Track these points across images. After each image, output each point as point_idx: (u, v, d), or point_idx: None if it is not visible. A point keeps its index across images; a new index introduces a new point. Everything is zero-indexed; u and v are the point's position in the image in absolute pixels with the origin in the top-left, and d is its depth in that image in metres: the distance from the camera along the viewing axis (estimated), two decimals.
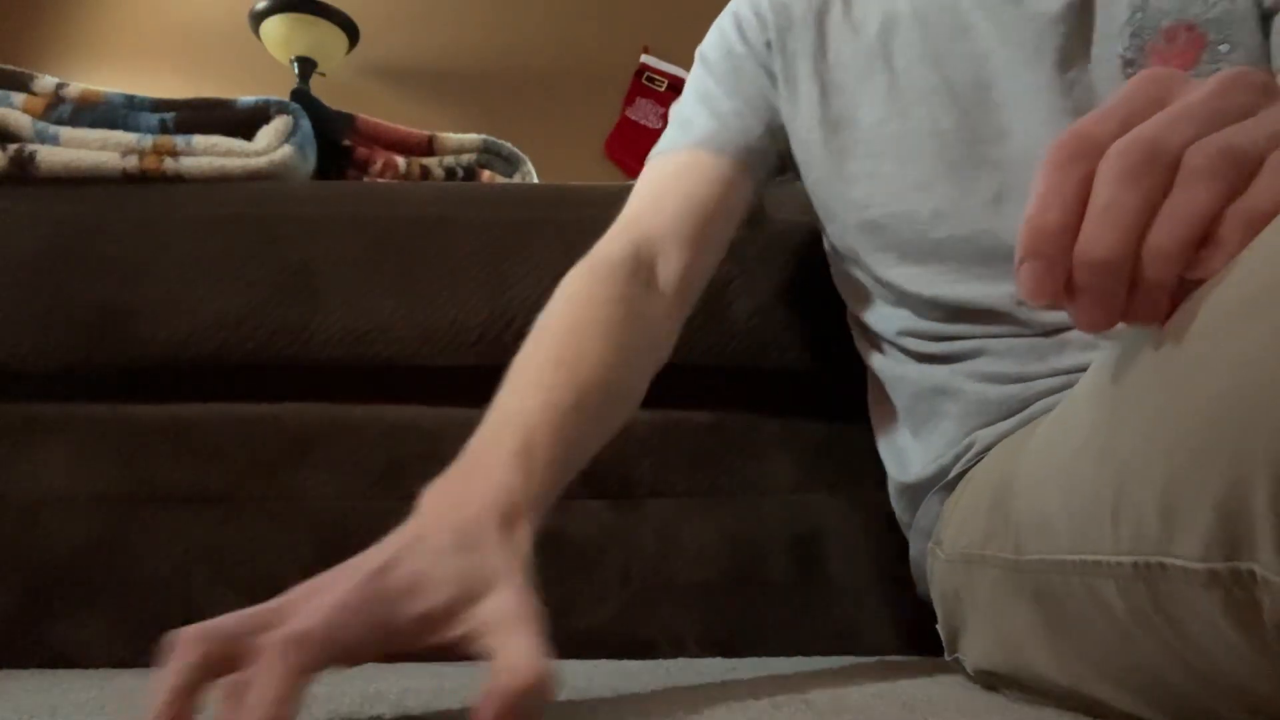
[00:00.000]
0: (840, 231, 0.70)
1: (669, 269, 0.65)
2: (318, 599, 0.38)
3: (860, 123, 0.68)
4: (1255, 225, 0.29)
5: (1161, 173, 0.30)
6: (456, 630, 0.38)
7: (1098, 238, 0.30)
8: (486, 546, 0.41)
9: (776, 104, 0.72)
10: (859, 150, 0.68)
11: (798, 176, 0.75)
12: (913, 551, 0.70)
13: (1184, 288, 0.31)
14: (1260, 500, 0.26)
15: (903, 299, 0.67)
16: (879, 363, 0.73)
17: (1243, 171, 0.29)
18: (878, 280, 0.69)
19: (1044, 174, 0.32)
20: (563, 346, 0.55)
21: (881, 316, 0.71)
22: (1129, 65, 0.61)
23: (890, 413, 0.72)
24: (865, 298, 0.72)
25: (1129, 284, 0.30)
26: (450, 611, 0.38)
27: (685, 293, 0.67)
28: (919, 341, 0.67)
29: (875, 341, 0.73)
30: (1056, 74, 0.63)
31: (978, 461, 0.60)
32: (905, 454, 0.70)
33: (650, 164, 0.72)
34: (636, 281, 0.63)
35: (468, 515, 0.43)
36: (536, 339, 0.57)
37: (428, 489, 0.46)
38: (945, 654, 0.62)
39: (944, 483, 0.63)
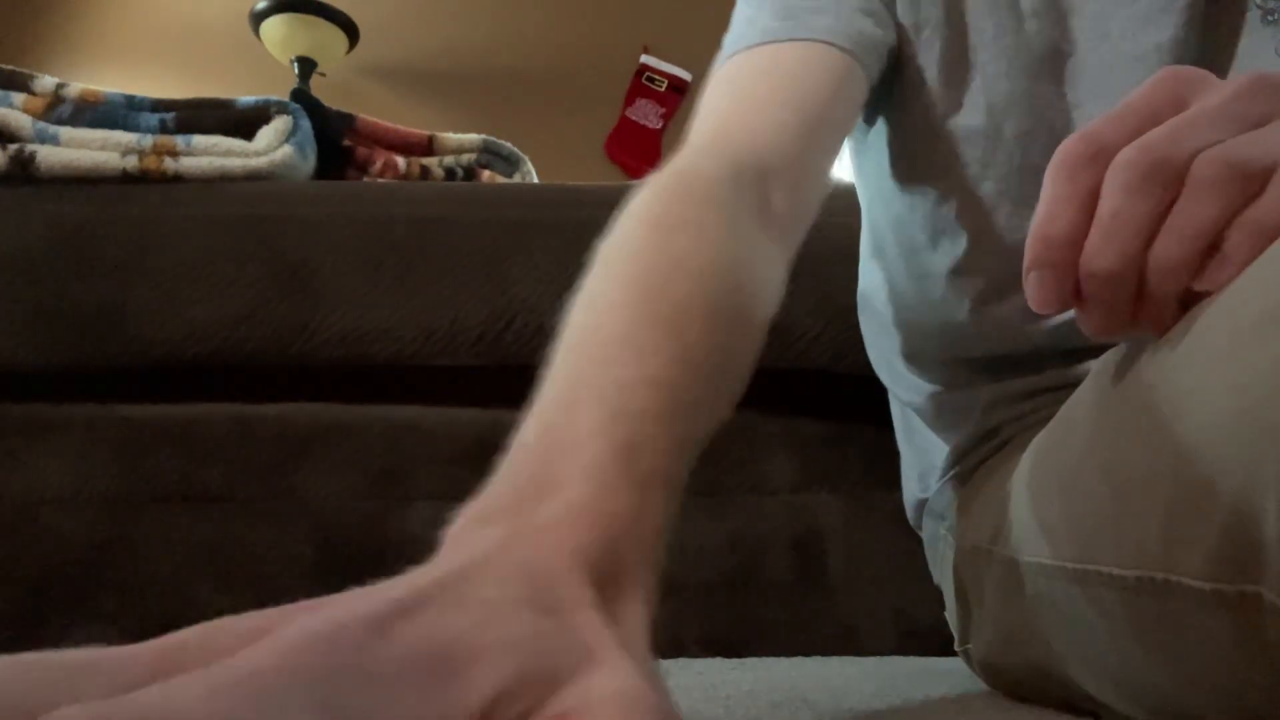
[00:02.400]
0: (934, 203, 0.58)
1: (779, 193, 0.47)
2: (256, 649, 0.18)
3: (980, 69, 0.56)
4: (1263, 238, 0.28)
5: (1169, 182, 0.29)
6: None
7: (1102, 249, 0.30)
8: (573, 610, 0.22)
9: (896, 15, 0.58)
10: (979, 103, 0.56)
11: (878, 114, 0.62)
12: (927, 534, 0.69)
13: (1193, 296, 0.31)
14: (1269, 524, 0.26)
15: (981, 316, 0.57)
16: (907, 386, 0.66)
17: (1251, 183, 0.29)
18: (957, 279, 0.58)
19: (1053, 179, 0.31)
20: (657, 294, 0.34)
21: (937, 339, 0.61)
22: (1269, 15, 0.53)
23: (917, 429, 0.68)
24: (918, 315, 0.62)
25: (1136, 293, 0.30)
26: (514, 695, 0.19)
27: (797, 225, 0.49)
28: (971, 368, 0.60)
29: (918, 361, 0.64)
30: (1190, 34, 0.53)
31: (999, 450, 0.59)
32: (932, 469, 0.65)
33: (732, 63, 0.54)
34: (746, 203, 0.43)
35: (541, 556, 0.23)
36: (609, 280, 0.35)
37: (469, 506, 0.26)
38: (955, 644, 0.62)
39: (959, 471, 0.62)
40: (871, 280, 0.69)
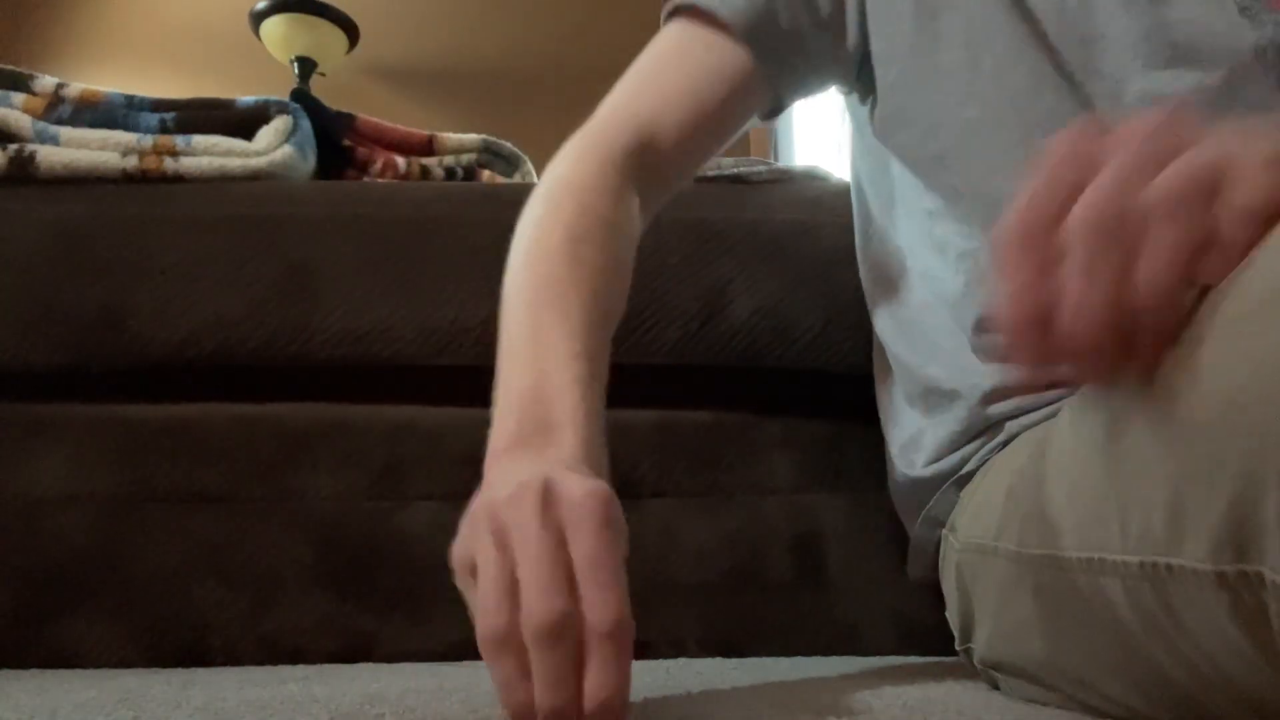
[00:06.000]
0: (920, 140, 0.63)
1: (663, 162, 0.62)
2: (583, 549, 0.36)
3: (962, 8, 0.61)
4: (1253, 221, 0.29)
5: (1131, 231, 0.30)
6: None
7: (1082, 308, 0.31)
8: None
9: None
10: (957, 39, 0.61)
11: (850, 87, 0.68)
12: (914, 537, 0.68)
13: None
14: (1271, 504, 0.26)
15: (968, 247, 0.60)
16: (903, 349, 0.67)
17: (1207, 192, 0.30)
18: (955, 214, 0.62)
19: (1006, 265, 0.33)
20: (579, 272, 0.52)
21: (934, 283, 0.64)
22: (1245, 10, 0.55)
23: (903, 406, 0.70)
24: (912, 260, 0.66)
25: (1125, 340, 0.31)
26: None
27: (673, 185, 0.65)
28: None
29: (905, 327, 0.67)
30: (1153, 10, 0.56)
31: (1000, 449, 0.59)
32: (919, 447, 0.66)
33: (666, 33, 0.66)
34: (634, 188, 0.60)
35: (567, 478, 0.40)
36: (553, 250, 0.53)
37: (498, 440, 0.46)
38: (956, 643, 0.62)
39: (962, 473, 0.62)
40: (884, 237, 0.71)
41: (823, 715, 0.41)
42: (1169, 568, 0.31)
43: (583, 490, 0.37)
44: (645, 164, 0.61)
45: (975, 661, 0.58)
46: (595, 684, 0.33)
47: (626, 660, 0.34)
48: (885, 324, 0.71)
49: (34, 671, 0.73)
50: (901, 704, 0.46)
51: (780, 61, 0.65)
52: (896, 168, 0.67)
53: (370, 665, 0.75)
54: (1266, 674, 0.30)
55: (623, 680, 0.34)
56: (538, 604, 0.34)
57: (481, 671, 0.66)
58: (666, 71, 0.64)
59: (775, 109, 0.69)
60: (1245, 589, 0.28)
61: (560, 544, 0.36)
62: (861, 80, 0.68)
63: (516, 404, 0.46)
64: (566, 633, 0.33)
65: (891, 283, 0.69)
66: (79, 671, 0.73)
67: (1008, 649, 0.51)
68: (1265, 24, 0.54)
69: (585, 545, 0.35)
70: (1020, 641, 0.49)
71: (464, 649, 0.75)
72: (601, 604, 0.34)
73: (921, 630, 0.80)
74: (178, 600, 0.79)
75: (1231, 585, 0.29)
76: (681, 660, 0.75)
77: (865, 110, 0.69)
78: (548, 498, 0.37)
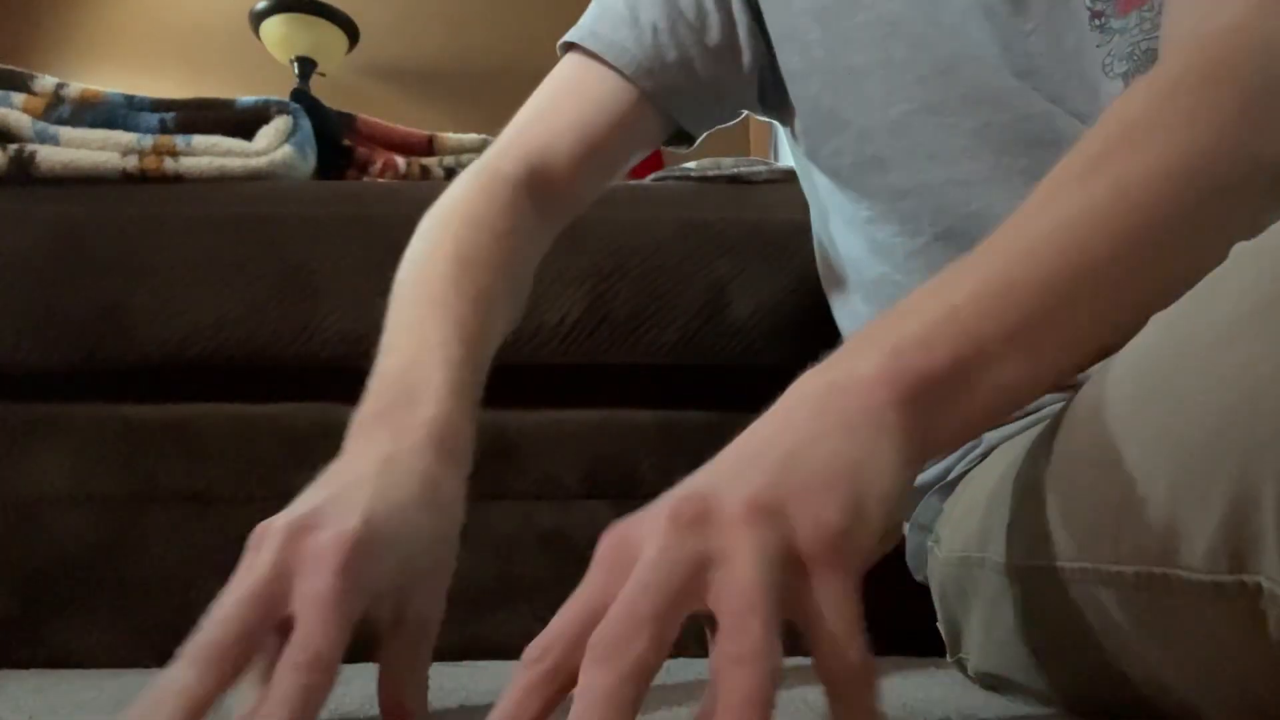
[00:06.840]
0: (855, 145, 0.62)
1: (557, 191, 0.63)
2: (306, 589, 0.37)
3: (865, 7, 0.61)
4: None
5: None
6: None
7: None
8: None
9: (731, 13, 0.64)
10: (867, 38, 0.61)
11: (774, 109, 0.68)
12: (910, 544, 0.69)
13: None
14: (1268, 512, 0.26)
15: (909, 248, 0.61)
16: None
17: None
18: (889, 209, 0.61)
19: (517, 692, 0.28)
20: (468, 277, 0.54)
21: (877, 290, 0.64)
22: (1097, 17, 0.56)
23: None
24: (859, 268, 0.66)
25: None
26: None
27: (570, 212, 0.65)
28: None
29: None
30: (1011, 22, 0.57)
31: (981, 460, 0.59)
32: None
33: (562, 67, 0.66)
34: (528, 208, 0.61)
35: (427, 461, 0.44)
36: (439, 258, 0.55)
37: (360, 411, 0.46)
38: (947, 655, 0.62)
39: (945, 481, 0.62)
40: (835, 266, 0.71)
41: (823, 715, 0.41)
42: (1165, 577, 0.31)
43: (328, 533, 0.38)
44: (537, 191, 0.61)
45: (969, 673, 0.58)
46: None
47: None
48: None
49: (34, 671, 0.73)
50: (901, 704, 0.46)
51: (674, 95, 0.65)
52: (822, 181, 0.67)
53: (370, 665, 0.75)
54: (1266, 679, 0.29)
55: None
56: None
57: (481, 671, 0.66)
58: (558, 104, 0.64)
59: (689, 138, 0.69)
60: (1243, 598, 0.28)
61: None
62: (772, 102, 0.68)
63: (382, 382, 0.47)
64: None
65: (846, 296, 0.69)
66: (79, 671, 0.73)
67: (1000, 661, 0.51)
68: (1111, 33, 0.54)
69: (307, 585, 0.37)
70: (1012, 653, 0.49)
71: (464, 649, 0.75)
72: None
73: (921, 630, 0.80)
74: (178, 600, 0.79)
75: (1229, 595, 0.28)
76: (681, 660, 0.74)
77: (789, 130, 0.69)
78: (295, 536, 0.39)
